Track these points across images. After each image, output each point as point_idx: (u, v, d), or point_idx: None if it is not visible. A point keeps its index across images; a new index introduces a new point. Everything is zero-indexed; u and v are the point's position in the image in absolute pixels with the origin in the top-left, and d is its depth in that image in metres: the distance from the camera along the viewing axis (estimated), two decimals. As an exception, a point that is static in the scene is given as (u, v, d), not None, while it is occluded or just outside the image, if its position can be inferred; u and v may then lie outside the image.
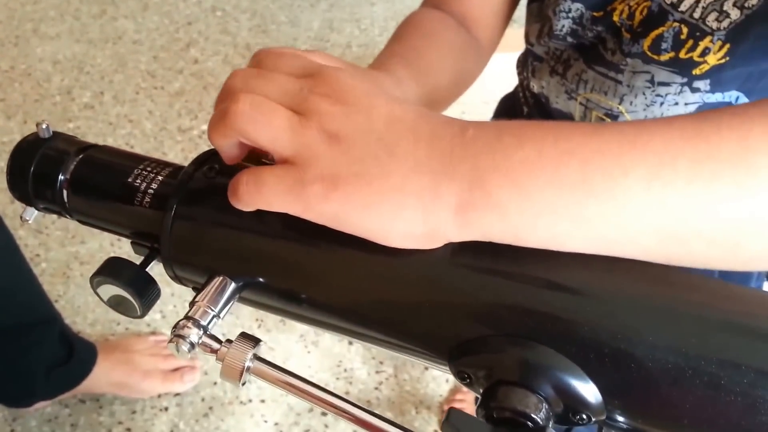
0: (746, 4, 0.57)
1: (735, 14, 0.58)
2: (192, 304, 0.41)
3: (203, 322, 0.41)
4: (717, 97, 0.63)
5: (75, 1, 2.70)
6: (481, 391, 0.37)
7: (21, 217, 0.50)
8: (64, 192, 0.48)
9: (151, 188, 0.45)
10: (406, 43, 0.65)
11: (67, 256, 1.84)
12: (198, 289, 0.42)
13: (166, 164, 0.47)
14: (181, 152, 2.13)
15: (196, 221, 0.43)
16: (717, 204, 0.33)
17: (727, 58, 0.60)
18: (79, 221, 0.50)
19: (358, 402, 0.40)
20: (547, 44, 0.75)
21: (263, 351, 0.42)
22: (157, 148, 2.13)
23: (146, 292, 0.44)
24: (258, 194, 0.38)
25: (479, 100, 1.04)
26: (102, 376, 1.52)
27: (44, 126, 0.49)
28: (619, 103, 0.69)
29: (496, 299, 0.36)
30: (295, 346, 1.68)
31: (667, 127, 0.35)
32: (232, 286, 0.42)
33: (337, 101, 0.38)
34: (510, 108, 0.92)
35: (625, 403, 0.35)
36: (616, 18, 0.66)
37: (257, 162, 0.43)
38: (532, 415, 0.35)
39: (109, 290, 0.45)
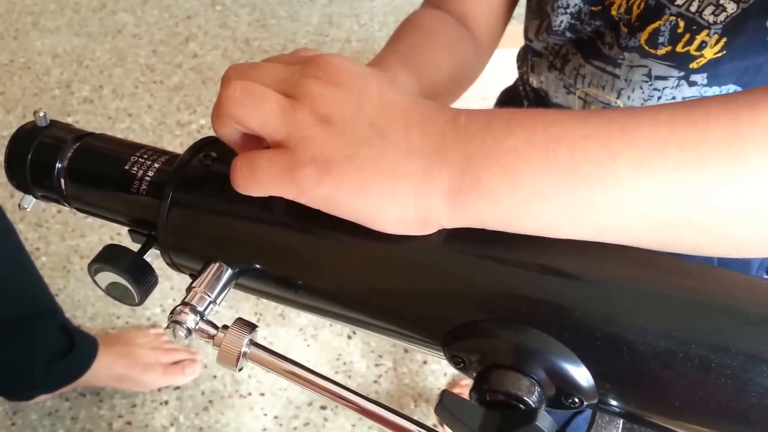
0: None
1: (731, 8, 0.58)
2: (189, 290, 0.41)
3: (200, 308, 0.41)
4: (714, 91, 0.63)
5: (74, -5, 2.70)
6: (475, 375, 0.38)
7: (19, 205, 0.50)
8: (62, 180, 0.48)
9: (148, 175, 0.46)
10: (404, 42, 0.65)
11: (67, 249, 1.84)
12: (195, 276, 0.42)
13: (163, 152, 0.48)
14: (179, 146, 2.13)
15: (192, 208, 0.43)
16: (705, 191, 0.34)
17: (724, 52, 0.60)
18: (77, 209, 0.50)
19: (356, 393, 0.40)
20: (546, 40, 0.75)
21: (262, 344, 0.42)
22: (156, 143, 2.13)
23: (143, 278, 0.45)
24: (252, 178, 0.38)
25: (479, 96, 1.04)
26: (103, 369, 1.51)
27: (41, 114, 0.49)
28: (617, 98, 0.69)
29: (490, 284, 0.36)
30: (295, 339, 1.69)
31: (657, 114, 0.35)
32: (229, 272, 0.42)
33: (328, 83, 0.38)
34: (510, 101, 0.92)
35: (617, 386, 0.35)
36: (614, 12, 0.66)
37: None
38: (525, 398, 0.35)
39: (107, 277, 0.45)
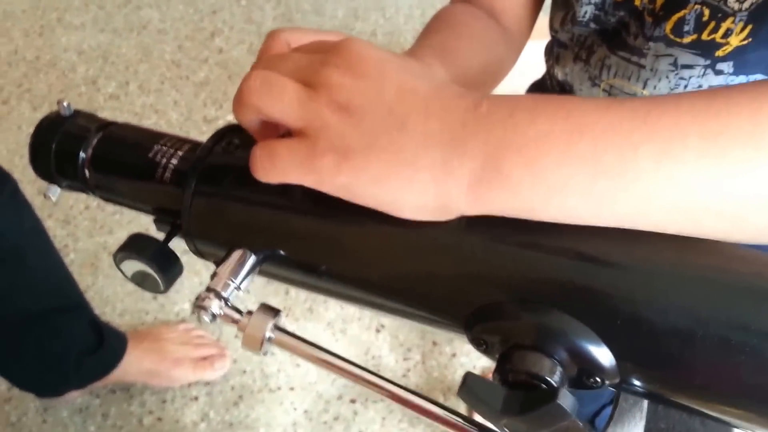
0: None
1: None
2: (213, 276, 0.42)
3: (224, 294, 0.41)
4: (741, 80, 0.63)
5: (100, -8, 2.72)
6: (497, 356, 0.38)
7: (45, 195, 0.51)
8: (86, 169, 0.49)
9: (171, 163, 0.46)
10: (435, 36, 0.66)
11: (95, 246, 1.85)
12: (219, 263, 0.43)
13: (186, 140, 0.48)
14: (206, 142, 2.13)
15: (215, 196, 0.44)
16: (726, 179, 0.34)
17: (750, 39, 0.60)
18: (101, 198, 0.50)
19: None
20: (571, 31, 0.76)
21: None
22: (183, 138, 2.14)
23: (168, 266, 0.45)
24: (272, 167, 0.39)
25: (509, 89, 1.05)
26: (133, 365, 1.52)
27: (65, 104, 0.50)
28: (643, 88, 0.69)
29: (511, 266, 0.37)
30: (323, 334, 1.68)
31: (678, 103, 0.35)
32: (252, 258, 0.42)
33: (347, 71, 0.38)
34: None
35: (638, 366, 0.36)
36: (638, 2, 0.66)
37: None
38: (547, 378, 0.36)
39: (133, 266, 0.46)
